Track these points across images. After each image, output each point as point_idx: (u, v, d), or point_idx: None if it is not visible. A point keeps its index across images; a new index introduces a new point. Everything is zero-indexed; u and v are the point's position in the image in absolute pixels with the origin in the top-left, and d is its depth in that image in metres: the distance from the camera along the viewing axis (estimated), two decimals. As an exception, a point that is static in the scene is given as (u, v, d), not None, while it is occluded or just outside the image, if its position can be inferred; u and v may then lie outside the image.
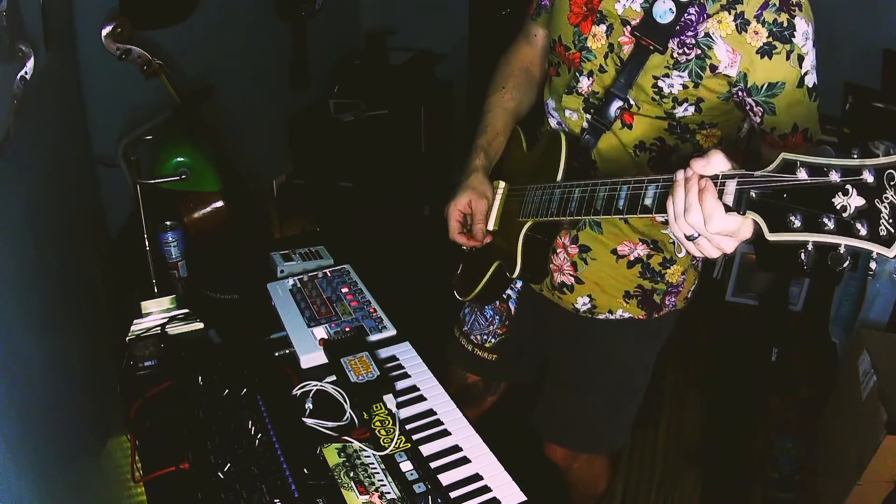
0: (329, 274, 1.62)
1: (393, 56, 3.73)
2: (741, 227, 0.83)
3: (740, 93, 1.15)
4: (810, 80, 1.11)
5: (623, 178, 1.05)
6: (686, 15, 1.13)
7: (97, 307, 1.67)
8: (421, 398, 1.29)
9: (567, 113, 1.33)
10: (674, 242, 1.34)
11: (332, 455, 1.12)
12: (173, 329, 1.49)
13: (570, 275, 1.41)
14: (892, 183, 0.67)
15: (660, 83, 1.18)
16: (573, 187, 1.17)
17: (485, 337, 1.67)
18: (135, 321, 1.51)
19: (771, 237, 0.75)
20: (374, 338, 1.42)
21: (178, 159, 2.01)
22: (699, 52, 1.13)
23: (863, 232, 0.69)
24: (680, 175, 0.89)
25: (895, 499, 1.86)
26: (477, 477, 1.12)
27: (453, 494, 1.08)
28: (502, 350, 1.66)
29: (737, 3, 1.10)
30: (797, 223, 0.73)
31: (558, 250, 1.42)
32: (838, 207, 0.70)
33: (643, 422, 2.48)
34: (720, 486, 2.30)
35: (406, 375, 1.34)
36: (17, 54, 1.11)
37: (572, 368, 1.57)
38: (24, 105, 1.12)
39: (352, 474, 1.08)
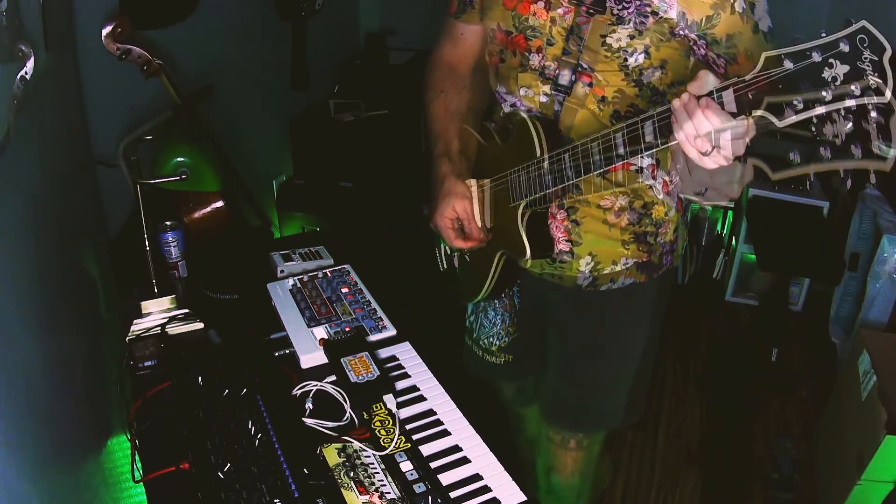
0: (329, 274, 1.62)
1: (393, 56, 3.73)
2: (749, 128, 0.90)
3: (683, 31, 1.19)
4: (739, 5, 1.15)
5: (615, 127, 1.10)
6: None
7: (97, 307, 1.67)
8: (421, 398, 1.29)
9: (523, 91, 1.34)
10: (651, 187, 1.36)
11: (332, 455, 1.12)
12: (173, 329, 1.49)
13: (566, 241, 1.40)
14: (864, 44, 0.80)
15: (608, 40, 1.21)
16: (563, 153, 1.21)
17: (491, 340, 1.65)
18: (135, 321, 1.51)
19: (781, 124, 0.84)
20: (374, 338, 1.42)
21: (178, 159, 2.02)
22: (638, 2, 1.17)
23: (852, 99, 0.79)
24: (677, 102, 0.96)
25: (895, 499, 1.86)
26: (477, 477, 1.12)
27: (453, 494, 1.08)
28: (515, 349, 1.65)
29: None
30: (799, 105, 0.82)
31: (549, 222, 1.42)
32: (829, 79, 0.80)
33: (643, 422, 2.48)
34: (720, 486, 2.30)
35: (406, 375, 1.34)
36: (17, 54, 1.12)
37: (575, 344, 1.55)
38: (24, 105, 1.12)
39: (352, 474, 1.08)
